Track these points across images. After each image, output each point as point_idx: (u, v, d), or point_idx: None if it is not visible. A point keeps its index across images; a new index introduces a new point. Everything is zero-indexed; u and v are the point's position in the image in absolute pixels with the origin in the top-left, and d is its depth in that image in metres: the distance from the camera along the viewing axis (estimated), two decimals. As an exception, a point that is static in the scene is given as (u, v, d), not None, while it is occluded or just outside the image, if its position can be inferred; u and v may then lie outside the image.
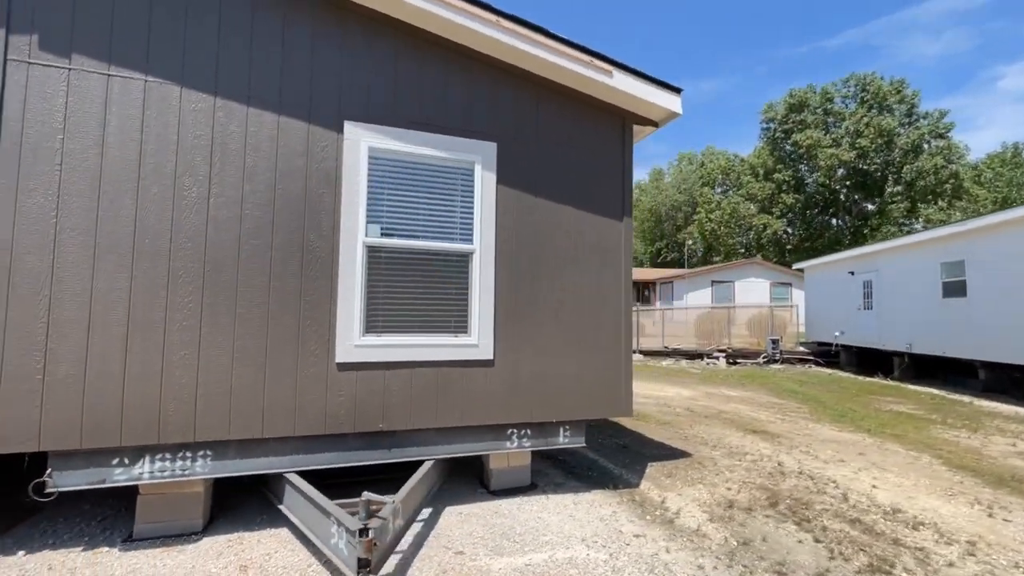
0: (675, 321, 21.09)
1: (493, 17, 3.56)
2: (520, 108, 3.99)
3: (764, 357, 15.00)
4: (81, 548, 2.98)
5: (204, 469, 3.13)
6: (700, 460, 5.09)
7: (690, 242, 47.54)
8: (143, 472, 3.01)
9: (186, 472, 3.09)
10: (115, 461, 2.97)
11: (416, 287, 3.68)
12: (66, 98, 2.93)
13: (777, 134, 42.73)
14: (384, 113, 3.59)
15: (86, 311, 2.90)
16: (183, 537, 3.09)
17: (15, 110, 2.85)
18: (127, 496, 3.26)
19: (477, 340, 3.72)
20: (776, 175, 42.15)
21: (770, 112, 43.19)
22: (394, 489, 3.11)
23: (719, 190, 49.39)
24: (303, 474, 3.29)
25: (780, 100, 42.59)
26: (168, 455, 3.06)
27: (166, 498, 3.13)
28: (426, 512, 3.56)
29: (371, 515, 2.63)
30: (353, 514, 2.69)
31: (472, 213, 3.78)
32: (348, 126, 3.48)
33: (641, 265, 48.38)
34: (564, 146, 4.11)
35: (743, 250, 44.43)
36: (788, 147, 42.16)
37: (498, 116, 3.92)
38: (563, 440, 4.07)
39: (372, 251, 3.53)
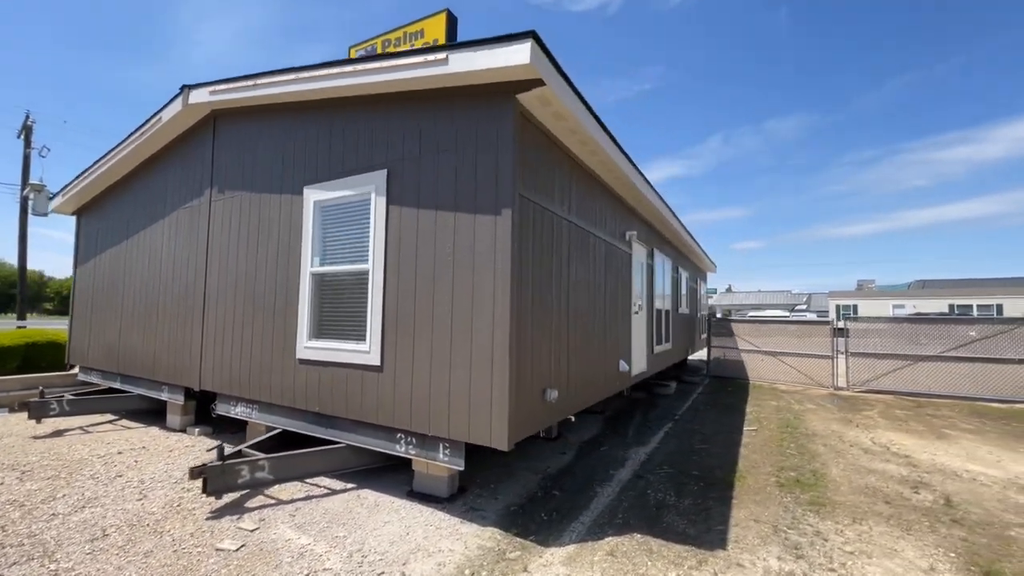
0: None
1: (349, 68, 4.11)
2: (407, 128, 4.20)
3: None
4: (235, 444, 5.63)
5: (255, 415, 5.22)
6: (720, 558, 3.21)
7: None
8: (240, 412, 5.39)
9: (250, 416, 5.27)
10: (231, 403, 5.47)
11: (337, 302, 4.59)
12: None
13: None
14: (323, 173, 4.76)
15: (227, 328, 5.57)
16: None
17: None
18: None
19: (369, 347, 4.22)
20: None
21: None
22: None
23: None
24: (303, 436, 4.84)
25: None
26: (244, 404, 5.32)
27: (254, 430, 5.40)
28: (348, 486, 4.33)
29: (223, 459, 3.87)
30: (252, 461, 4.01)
31: (368, 235, 4.33)
32: (306, 189, 4.87)
33: None
34: (444, 150, 3.96)
35: None
36: None
37: (389, 143, 4.29)
38: (443, 458, 3.83)
39: (315, 277, 4.74)
